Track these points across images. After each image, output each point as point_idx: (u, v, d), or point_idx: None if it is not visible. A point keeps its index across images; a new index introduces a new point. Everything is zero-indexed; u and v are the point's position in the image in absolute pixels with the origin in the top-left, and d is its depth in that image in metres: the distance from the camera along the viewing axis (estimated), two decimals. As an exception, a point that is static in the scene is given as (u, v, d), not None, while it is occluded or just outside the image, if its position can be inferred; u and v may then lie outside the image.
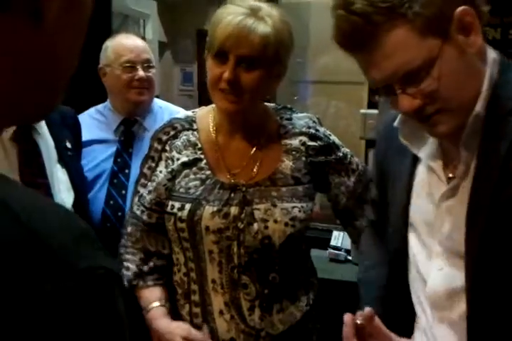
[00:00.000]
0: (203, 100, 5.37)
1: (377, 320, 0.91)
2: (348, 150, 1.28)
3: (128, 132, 1.73)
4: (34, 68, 0.48)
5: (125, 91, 1.70)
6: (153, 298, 1.20)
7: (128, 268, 1.23)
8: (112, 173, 1.67)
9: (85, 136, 1.63)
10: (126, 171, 1.68)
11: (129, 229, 1.25)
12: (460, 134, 0.82)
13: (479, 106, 0.80)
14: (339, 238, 2.03)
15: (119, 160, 1.69)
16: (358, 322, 0.87)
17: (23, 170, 1.35)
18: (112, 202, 1.65)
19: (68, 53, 0.51)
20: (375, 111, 1.89)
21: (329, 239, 2.05)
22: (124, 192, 1.66)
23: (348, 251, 2.00)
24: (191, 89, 5.81)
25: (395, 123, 0.92)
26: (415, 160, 0.96)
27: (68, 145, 1.48)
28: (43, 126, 1.43)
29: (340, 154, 1.25)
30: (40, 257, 0.41)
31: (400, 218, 0.97)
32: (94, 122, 1.76)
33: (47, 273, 0.41)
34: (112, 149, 1.71)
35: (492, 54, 0.85)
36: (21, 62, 0.46)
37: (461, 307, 0.85)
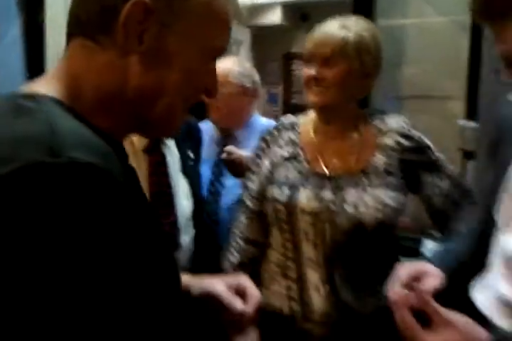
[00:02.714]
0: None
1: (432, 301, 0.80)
2: (443, 156, 1.30)
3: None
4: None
5: None
6: None
7: (233, 255, 1.40)
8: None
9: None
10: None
11: (240, 217, 1.40)
12: None
13: None
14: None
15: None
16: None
17: (151, 179, 1.44)
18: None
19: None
20: (472, 124, 1.90)
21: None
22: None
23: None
24: (276, 110, 5.95)
25: None
26: None
27: (191, 155, 1.57)
28: (170, 139, 1.56)
29: (434, 157, 1.28)
30: (36, 142, 0.45)
31: None
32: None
33: (31, 153, 0.43)
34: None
35: None
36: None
37: None
